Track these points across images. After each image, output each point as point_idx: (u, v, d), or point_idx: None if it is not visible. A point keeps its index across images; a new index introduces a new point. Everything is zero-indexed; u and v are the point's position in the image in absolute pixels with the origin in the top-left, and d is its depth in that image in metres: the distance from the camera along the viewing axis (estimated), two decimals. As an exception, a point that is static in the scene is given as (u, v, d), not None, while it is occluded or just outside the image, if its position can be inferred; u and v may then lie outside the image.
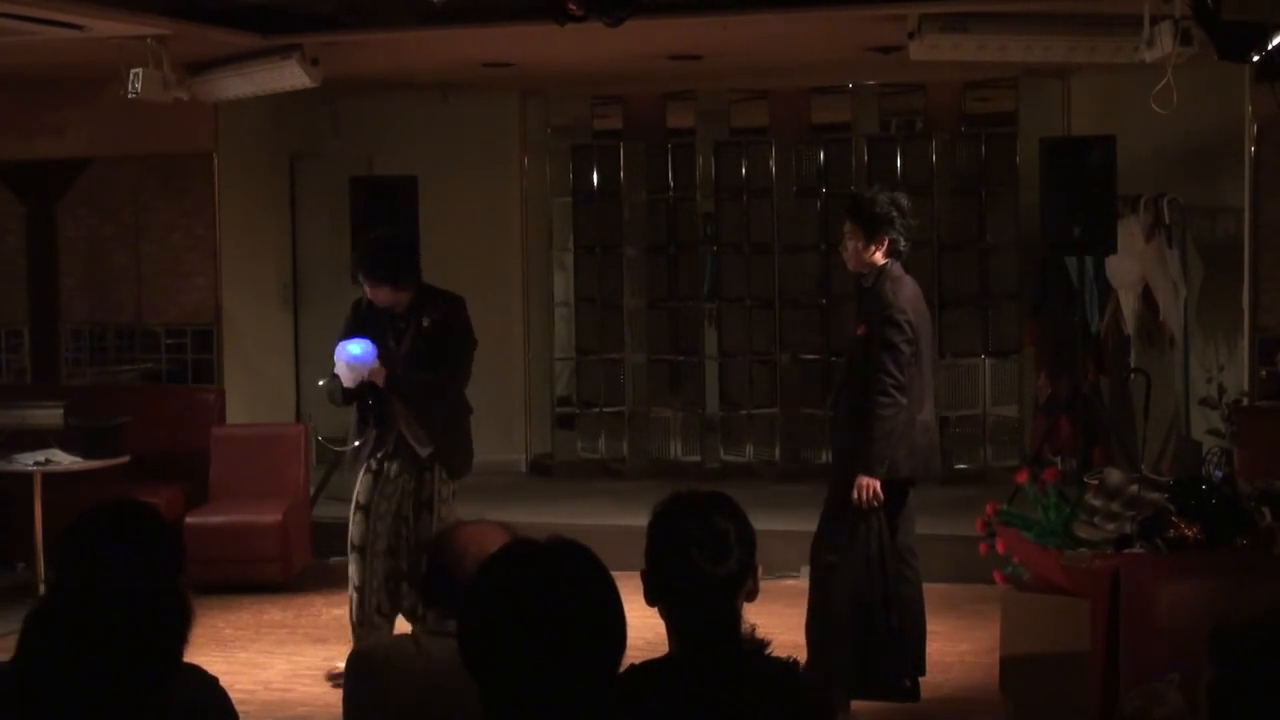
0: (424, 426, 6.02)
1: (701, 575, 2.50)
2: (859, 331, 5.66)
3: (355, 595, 6.06)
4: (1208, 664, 2.43)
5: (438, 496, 6.03)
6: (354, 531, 6.05)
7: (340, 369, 5.91)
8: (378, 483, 6.04)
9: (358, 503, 6.06)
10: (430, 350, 6.01)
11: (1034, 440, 8.65)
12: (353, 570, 6.05)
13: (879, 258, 5.64)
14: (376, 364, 5.90)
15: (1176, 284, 8.61)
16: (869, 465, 5.48)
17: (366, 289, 6.02)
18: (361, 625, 6.13)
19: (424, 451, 6.01)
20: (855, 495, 5.46)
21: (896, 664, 5.60)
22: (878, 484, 5.47)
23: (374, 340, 5.96)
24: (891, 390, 5.46)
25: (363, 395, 5.98)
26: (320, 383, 6.14)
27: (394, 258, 6.02)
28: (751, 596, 2.57)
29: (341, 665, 6.19)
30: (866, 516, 5.50)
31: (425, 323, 6.02)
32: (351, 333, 6.05)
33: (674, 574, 2.53)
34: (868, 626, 5.51)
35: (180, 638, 2.19)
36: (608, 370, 10.07)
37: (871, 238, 5.61)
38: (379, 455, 6.03)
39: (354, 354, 5.89)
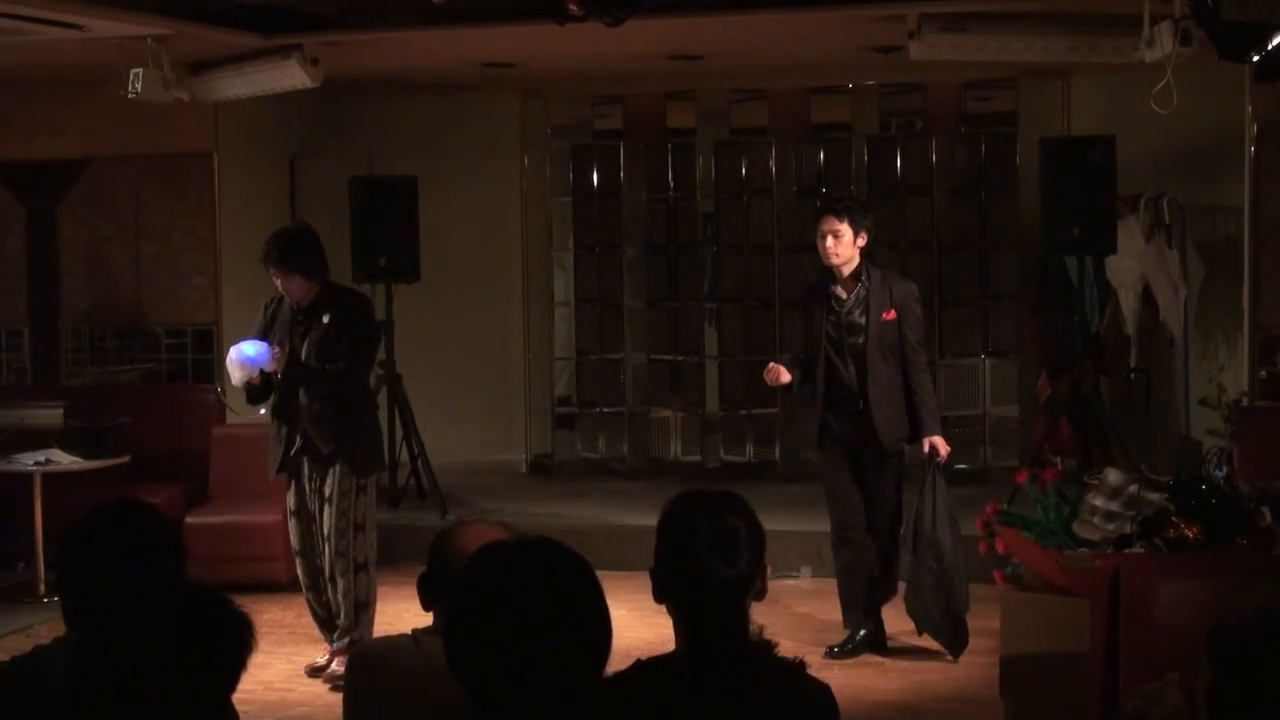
0: (325, 422, 6.06)
1: (712, 575, 2.50)
2: (888, 316, 6.28)
3: (310, 595, 6.25)
4: (1206, 665, 2.43)
5: (337, 490, 6.07)
6: (292, 537, 6.26)
7: (231, 368, 6.04)
8: (298, 484, 6.17)
9: (289, 508, 6.24)
10: (331, 346, 6.05)
11: (1034, 440, 8.65)
12: (301, 574, 6.26)
13: (859, 251, 6.30)
14: (272, 364, 5.98)
15: (1176, 284, 8.61)
16: (939, 425, 6.37)
17: (278, 281, 6.08)
18: (328, 621, 6.24)
19: (325, 448, 6.06)
20: (944, 452, 6.28)
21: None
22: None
23: (280, 338, 6.09)
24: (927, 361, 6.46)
25: (269, 391, 6.11)
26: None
27: (305, 249, 6.06)
28: (760, 596, 2.57)
29: (320, 660, 6.27)
30: (939, 475, 6.24)
31: (325, 319, 6.06)
32: (261, 332, 6.21)
33: (684, 572, 2.53)
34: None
35: (240, 663, 2.20)
36: (608, 370, 10.07)
37: (858, 230, 6.25)
38: (292, 454, 6.13)
39: (247, 355, 6.01)
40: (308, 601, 6.28)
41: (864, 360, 6.29)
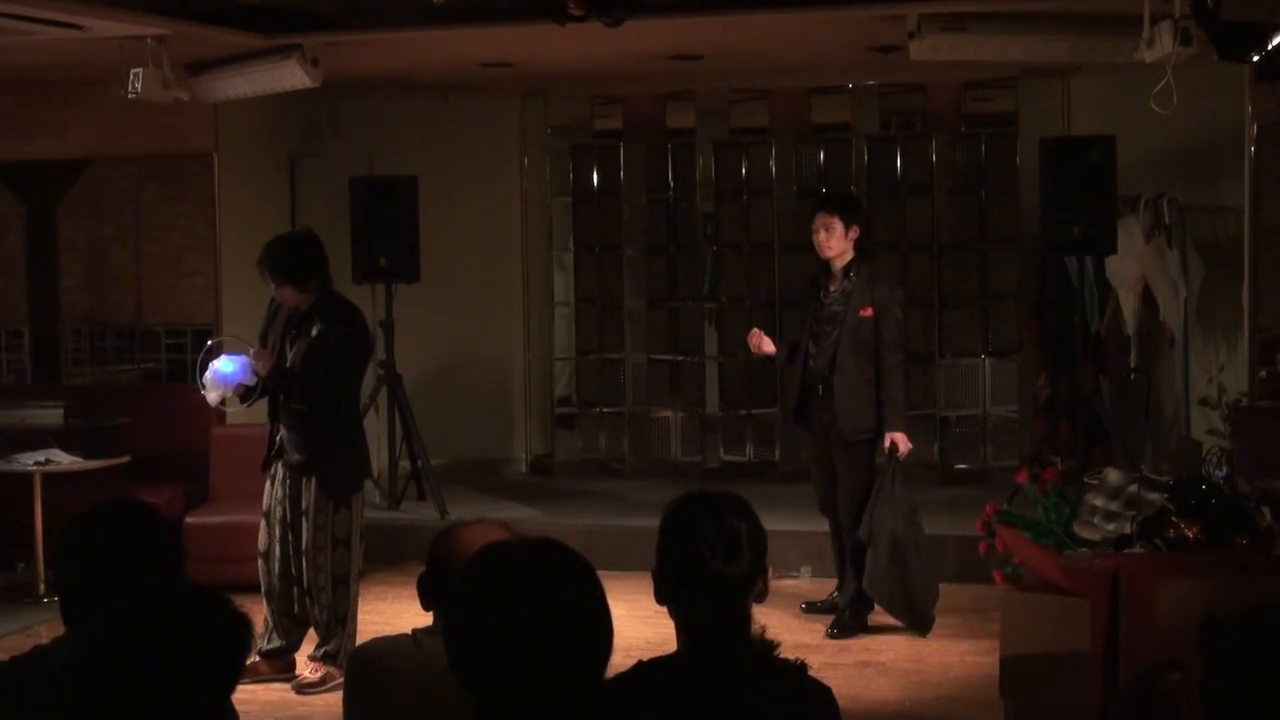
0: (298, 430, 6.03)
1: (713, 575, 2.51)
2: (865, 312, 6.59)
3: (265, 601, 6.16)
4: (1198, 661, 2.43)
5: (314, 505, 6.02)
6: (259, 537, 6.20)
7: (207, 379, 6.04)
8: (272, 487, 6.15)
9: (262, 509, 6.19)
10: (314, 361, 6.00)
11: (1034, 440, 8.64)
12: (261, 575, 6.19)
13: (852, 245, 6.65)
14: (251, 374, 5.98)
15: (1176, 284, 8.60)
16: (904, 422, 6.67)
17: (271, 286, 6.06)
18: (276, 630, 6.20)
19: (293, 459, 6.03)
20: (903, 449, 6.56)
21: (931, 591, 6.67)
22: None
23: (273, 341, 6.09)
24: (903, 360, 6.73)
25: (256, 391, 6.11)
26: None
27: (298, 259, 6.02)
28: (761, 598, 2.58)
29: (309, 674, 6.17)
30: (896, 468, 6.53)
31: (314, 332, 6.01)
32: (264, 328, 6.21)
33: (685, 573, 2.54)
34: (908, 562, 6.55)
35: (240, 664, 2.21)
36: (608, 370, 10.07)
37: (850, 224, 6.62)
38: (271, 455, 6.13)
39: (222, 373, 6.03)
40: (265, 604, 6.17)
41: (835, 350, 6.63)
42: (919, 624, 6.64)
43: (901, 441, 6.59)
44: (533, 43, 7.63)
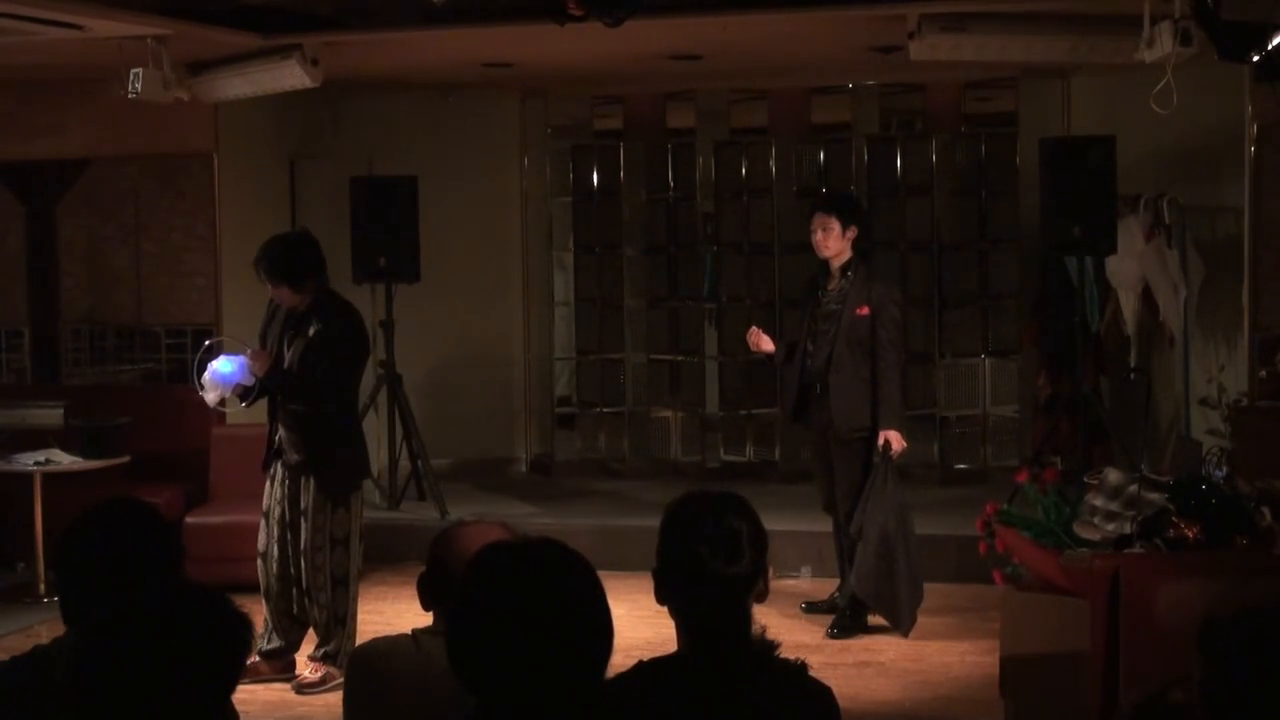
0: (296, 429, 6.04)
1: (714, 575, 2.51)
2: (862, 311, 6.64)
3: (264, 601, 6.16)
4: (1197, 661, 2.43)
5: (312, 505, 6.02)
6: (259, 537, 6.21)
7: (205, 379, 6.05)
8: (272, 487, 6.15)
9: (262, 509, 6.20)
10: (312, 361, 6.00)
11: (1034, 440, 8.64)
12: (260, 575, 6.19)
13: (849, 245, 6.71)
14: (249, 374, 6.00)
15: (1176, 284, 8.60)
16: (900, 421, 6.65)
17: (268, 286, 6.06)
18: (276, 630, 6.21)
19: (292, 459, 6.04)
20: (896, 447, 6.55)
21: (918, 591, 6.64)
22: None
23: (271, 341, 6.11)
24: (901, 359, 6.73)
25: (255, 391, 6.13)
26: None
27: (293, 259, 6.01)
28: (761, 598, 2.58)
29: (309, 674, 6.18)
30: (889, 466, 6.52)
31: (311, 332, 6.01)
32: (263, 327, 6.23)
33: (686, 573, 2.54)
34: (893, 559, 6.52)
35: (240, 664, 2.21)
36: (608, 370, 10.07)
37: (848, 225, 6.68)
38: (270, 455, 6.15)
39: (221, 373, 6.04)
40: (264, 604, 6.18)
41: (832, 349, 6.68)
42: (902, 623, 6.59)
43: (895, 440, 6.60)
44: (533, 43, 7.63)
